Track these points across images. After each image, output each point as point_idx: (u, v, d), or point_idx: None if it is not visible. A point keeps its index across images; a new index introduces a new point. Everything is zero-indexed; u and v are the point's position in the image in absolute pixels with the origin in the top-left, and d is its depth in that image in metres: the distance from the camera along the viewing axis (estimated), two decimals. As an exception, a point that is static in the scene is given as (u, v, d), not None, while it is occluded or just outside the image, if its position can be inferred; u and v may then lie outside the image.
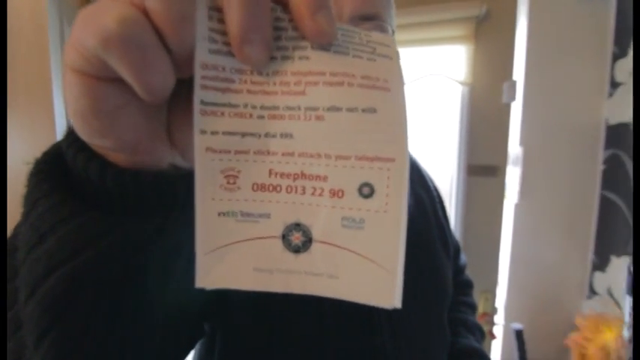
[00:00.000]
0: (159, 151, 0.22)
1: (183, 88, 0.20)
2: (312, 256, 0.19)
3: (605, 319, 1.32)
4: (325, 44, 0.19)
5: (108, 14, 0.16)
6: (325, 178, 0.19)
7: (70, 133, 0.22)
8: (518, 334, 1.53)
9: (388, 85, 0.19)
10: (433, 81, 1.72)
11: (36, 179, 0.22)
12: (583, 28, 1.52)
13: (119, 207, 0.22)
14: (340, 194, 0.19)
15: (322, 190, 0.19)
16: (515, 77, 1.62)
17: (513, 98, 1.59)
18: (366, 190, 0.19)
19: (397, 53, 0.21)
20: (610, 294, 1.43)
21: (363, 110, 0.19)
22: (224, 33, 0.18)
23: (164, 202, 0.22)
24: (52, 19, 0.73)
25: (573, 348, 1.38)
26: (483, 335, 0.66)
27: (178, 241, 0.23)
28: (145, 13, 0.17)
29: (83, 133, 0.20)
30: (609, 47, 1.48)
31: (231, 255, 0.19)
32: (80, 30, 0.17)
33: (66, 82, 0.19)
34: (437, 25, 1.66)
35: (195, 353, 0.50)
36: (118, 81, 0.18)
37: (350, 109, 0.19)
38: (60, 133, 0.79)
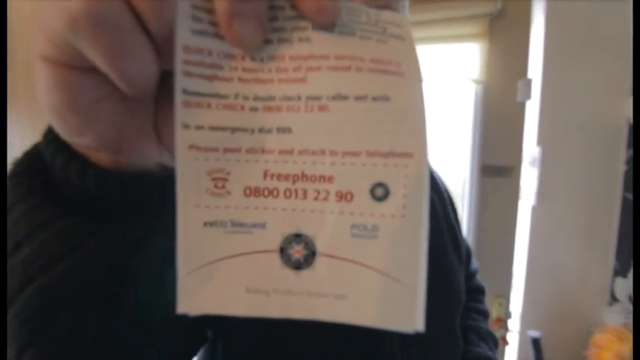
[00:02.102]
0: (145, 150, 0.20)
1: (171, 80, 0.18)
2: (315, 273, 0.17)
3: (626, 329, 1.29)
4: (328, 23, 0.17)
5: None
6: (331, 179, 0.17)
7: (49, 131, 0.21)
8: (535, 342, 1.50)
9: (402, 70, 0.17)
10: (446, 79, 1.69)
11: (12, 182, 0.21)
12: (602, 22, 1.48)
13: (102, 211, 0.20)
14: (349, 197, 0.17)
15: (327, 193, 0.17)
16: (530, 75, 1.58)
17: (528, 97, 1.56)
18: (380, 192, 0.16)
19: (411, 34, 0.18)
20: (631, 301, 1.38)
21: (374, 98, 0.16)
22: (210, 11, 0.16)
23: (152, 205, 0.21)
24: None
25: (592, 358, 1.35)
26: (496, 343, 0.65)
27: (170, 249, 0.21)
28: None
29: (60, 130, 0.18)
30: (630, 42, 1.41)
31: (220, 274, 0.17)
32: (47, 11, 0.15)
33: (36, 72, 0.17)
34: (450, 22, 1.63)
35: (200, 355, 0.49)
36: (94, 70, 0.16)
37: (358, 98, 0.17)
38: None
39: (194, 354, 0.33)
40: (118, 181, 0.20)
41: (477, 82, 1.64)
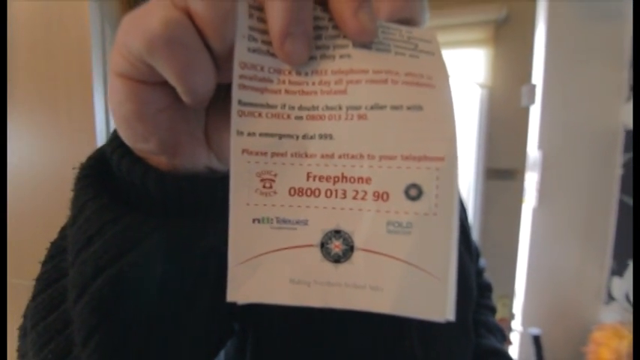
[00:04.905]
0: (197, 154, 0.22)
1: (221, 92, 0.20)
2: (353, 266, 0.18)
3: (623, 326, 1.32)
4: (367, 42, 0.19)
5: (151, 17, 0.16)
6: (368, 180, 0.18)
7: (114, 139, 0.23)
8: (536, 340, 1.52)
9: (433, 82, 0.18)
10: (453, 84, 1.71)
11: (82, 184, 0.23)
12: (601, 32, 1.51)
13: (159, 210, 0.22)
14: (385, 197, 0.17)
15: (365, 193, 0.18)
16: (534, 81, 1.61)
17: (532, 102, 1.58)
18: (414, 192, 0.17)
19: (440, 49, 0.20)
20: (628, 300, 1.41)
21: (409, 108, 0.18)
22: (264, 32, 0.18)
23: (202, 205, 0.23)
24: (93, 22, 0.75)
25: (589, 356, 1.37)
26: (504, 336, 0.66)
27: (218, 244, 0.22)
28: (188, 14, 0.17)
29: (127, 138, 0.20)
30: (628, 51, 1.46)
31: (266, 266, 0.18)
32: (124, 34, 0.17)
33: (111, 87, 0.19)
34: (457, 28, 1.65)
35: (223, 353, 0.50)
36: (160, 84, 0.18)
37: (394, 107, 0.18)
38: (100, 134, 0.81)
39: (222, 346, 0.35)
40: (174, 183, 0.22)
41: (482, 86, 1.67)
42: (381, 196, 0.17)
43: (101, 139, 0.78)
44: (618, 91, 1.50)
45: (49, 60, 0.78)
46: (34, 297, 0.24)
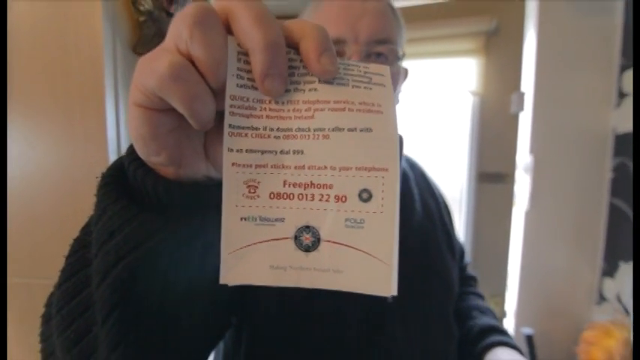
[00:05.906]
0: (197, 165, 0.26)
1: (216, 117, 0.23)
2: (320, 254, 0.22)
3: (614, 326, 1.33)
4: (329, 79, 0.23)
5: (161, 61, 0.20)
6: (331, 186, 0.21)
7: (130, 153, 0.26)
8: (529, 339, 1.53)
9: (382, 109, 0.22)
10: (445, 92, 1.76)
11: (104, 190, 0.27)
12: (590, 40, 1.53)
13: (167, 210, 0.26)
14: (344, 199, 0.21)
15: (328, 196, 0.21)
16: (523, 89, 1.65)
17: (521, 109, 1.62)
18: (365, 195, 0.21)
19: (390, 82, 0.24)
20: (619, 300, 1.42)
21: (361, 130, 0.22)
22: (249, 71, 0.22)
23: (202, 207, 0.26)
24: (106, 42, 0.80)
25: (581, 356, 1.39)
26: (496, 318, 0.70)
27: (211, 240, 0.25)
28: (190, 59, 0.20)
29: (142, 153, 0.24)
30: (617, 58, 1.49)
31: (251, 254, 0.22)
32: (140, 74, 0.21)
33: (130, 114, 0.23)
34: (450, 38, 1.71)
35: (222, 345, 0.55)
36: (169, 111, 0.22)
37: (350, 129, 0.22)
38: (111, 143, 0.86)
39: (221, 337, 0.39)
40: (179, 189, 0.25)
41: (473, 94, 1.72)
42: (340, 199, 0.21)
43: (112, 148, 0.84)
44: (607, 97, 1.52)
45: (66, 78, 0.83)
46: (59, 285, 0.28)
